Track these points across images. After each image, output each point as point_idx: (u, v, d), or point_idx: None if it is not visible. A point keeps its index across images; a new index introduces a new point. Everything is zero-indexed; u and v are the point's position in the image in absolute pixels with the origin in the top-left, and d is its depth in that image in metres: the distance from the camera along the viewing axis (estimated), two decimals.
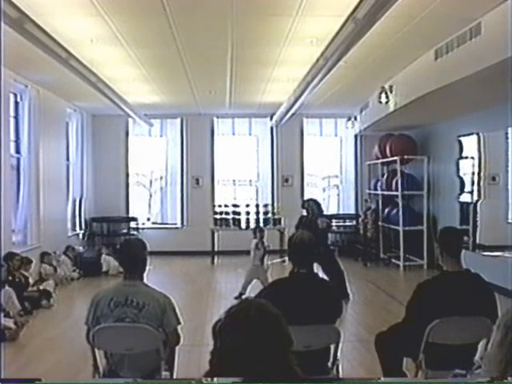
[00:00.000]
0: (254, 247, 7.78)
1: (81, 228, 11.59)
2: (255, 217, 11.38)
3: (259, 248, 7.74)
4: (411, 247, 10.37)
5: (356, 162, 12.80)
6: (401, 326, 3.63)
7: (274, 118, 11.43)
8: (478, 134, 8.78)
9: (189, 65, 7.55)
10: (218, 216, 11.40)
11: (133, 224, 12.32)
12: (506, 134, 8.10)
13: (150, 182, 12.98)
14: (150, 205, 13.00)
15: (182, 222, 12.61)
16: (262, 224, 10.92)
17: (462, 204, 9.36)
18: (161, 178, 12.89)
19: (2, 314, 5.90)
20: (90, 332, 3.34)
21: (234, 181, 12.95)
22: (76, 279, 9.32)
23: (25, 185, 8.68)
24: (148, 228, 12.49)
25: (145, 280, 3.48)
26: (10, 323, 5.85)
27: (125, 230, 12.18)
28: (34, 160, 8.83)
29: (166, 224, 12.68)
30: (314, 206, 8.20)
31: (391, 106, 8.66)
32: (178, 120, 12.57)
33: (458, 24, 5.74)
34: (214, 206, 12.04)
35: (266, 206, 11.70)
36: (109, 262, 9.95)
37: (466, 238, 8.45)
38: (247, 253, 7.95)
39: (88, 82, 6.88)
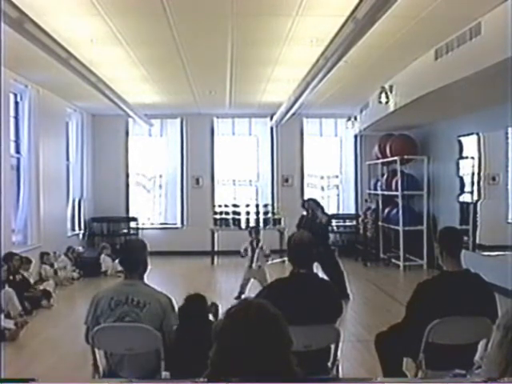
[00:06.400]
0: (248, 247, 7.77)
1: (80, 228, 11.59)
2: (255, 217, 11.38)
3: (253, 248, 7.71)
4: (411, 247, 10.37)
5: (356, 162, 12.80)
6: (401, 326, 3.63)
7: (274, 118, 11.44)
8: (477, 134, 8.78)
9: (189, 65, 7.55)
10: (217, 216, 11.40)
11: (133, 224, 12.33)
12: (506, 133, 8.10)
13: (150, 182, 12.98)
14: (150, 205, 13.00)
15: (182, 222, 12.61)
16: (261, 224, 10.91)
17: (462, 204, 9.36)
18: (161, 177, 12.89)
19: (3, 315, 5.90)
20: (89, 332, 3.35)
21: (234, 181, 12.96)
22: (76, 279, 9.33)
23: (25, 185, 8.68)
24: (148, 228, 12.50)
25: (145, 280, 3.48)
26: (10, 324, 5.85)
27: (125, 230, 12.19)
28: (34, 160, 8.83)
29: (166, 224, 12.68)
30: (313, 205, 8.21)
31: (391, 106, 8.66)
32: (178, 120, 12.57)
33: (458, 24, 5.74)
34: (213, 206, 12.05)
35: (265, 206, 11.70)
36: (108, 262, 9.96)
37: (465, 238, 8.45)
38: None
39: (88, 82, 6.88)
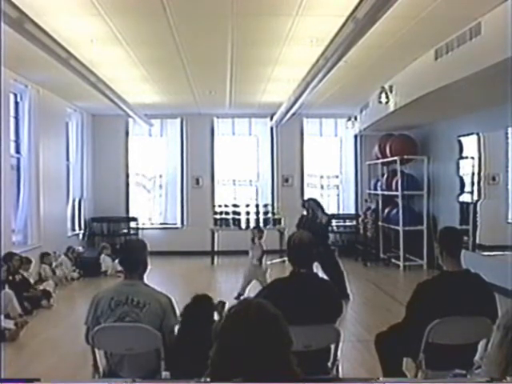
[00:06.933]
0: (250, 246, 7.77)
1: (81, 228, 11.60)
2: (255, 217, 11.38)
3: (256, 247, 7.71)
4: (411, 247, 10.37)
5: (356, 162, 12.80)
6: (401, 326, 3.63)
7: (274, 118, 11.44)
8: (478, 134, 8.78)
9: (189, 65, 7.55)
10: (217, 216, 11.40)
11: (133, 224, 12.33)
12: (506, 133, 8.10)
13: (150, 182, 12.98)
14: (150, 205, 13.01)
15: (182, 222, 12.61)
16: (262, 224, 10.91)
17: (462, 204, 9.36)
18: (161, 177, 12.89)
19: (3, 316, 5.90)
20: (89, 332, 3.35)
21: (234, 181, 12.96)
22: (76, 279, 9.33)
23: (25, 185, 8.68)
24: (148, 228, 12.50)
25: (145, 280, 3.49)
26: (10, 324, 5.84)
27: (125, 230, 12.20)
28: (34, 160, 8.83)
29: (166, 224, 12.68)
30: (314, 205, 8.20)
31: (391, 106, 8.66)
32: (178, 120, 12.57)
33: (458, 24, 5.74)
34: (214, 206, 12.05)
35: (265, 206, 11.70)
36: (108, 262, 9.96)
37: (465, 238, 8.45)
38: (247, 253, 7.94)
39: (88, 82, 6.88)
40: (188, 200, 12.59)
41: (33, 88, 8.75)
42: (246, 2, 5.14)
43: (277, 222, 11.33)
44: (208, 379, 1.76)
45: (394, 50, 6.69)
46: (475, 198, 9.00)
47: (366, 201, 12.05)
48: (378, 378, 3.45)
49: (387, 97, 8.57)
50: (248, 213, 11.44)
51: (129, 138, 12.60)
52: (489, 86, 6.26)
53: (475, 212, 8.87)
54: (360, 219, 11.82)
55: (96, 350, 3.37)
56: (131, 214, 12.53)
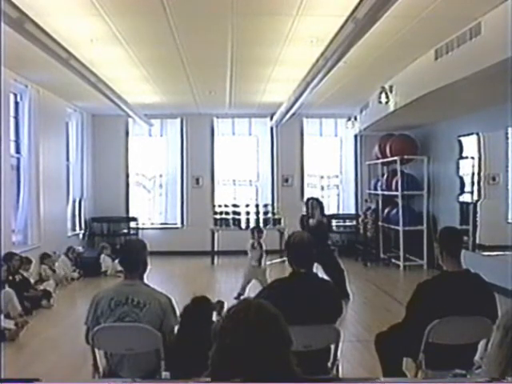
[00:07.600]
0: (250, 247, 7.77)
1: (81, 228, 11.60)
2: (255, 217, 11.38)
3: (255, 248, 7.72)
4: (411, 247, 10.37)
5: (356, 162, 12.80)
6: (401, 326, 3.63)
7: (274, 118, 11.43)
8: (477, 134, 8.78)
9: (189, 65, 7.56)
10: (217, 216, 11.40)
11: (133, 224, 12.33)
12: (506, 133, 8.10)
13: (150, 182, 12.98)
14: (150, 205, 13.01)
15: (182, 222, 12.61)
16: (261, 224, 10.90)
17: (462, 204, 9.36)
18: (161, 177, 12.89)
19: (3, 316, 5.90)
20: (89, 332, 3.35)
21: (234, 181, 12.96)
22: (76, 279, 9.33)
23: (25, 185, 8.68)
24: (148, 228, 12.50)
25: (145, 280, 3.49)
26: (10, 324, 5.84)
27: (125, 230, 12.19)
28: (34, 160, 8.82)
29: (166, 224, 12.69)
30: (316, 205, 8.18)
31: (391, 106, 8.66)
32: (178, 120, 12.57)
33: (458, 24, 5.74)
34: (214, 206, 12.05)
35: (265, 206, 11.70)
36: (108, 262, 9.97)
37: (465, 238, 8.45)
38: (247, 253, 7.93)
39: (88, 82, 6.88)
40: (188, 200, 12.59)
41: (33, 88, 8.75)
42: (245, 1, 5.13)
43: (277, 222, 11.32)
44: (208, 379, 1.75)
45: (394, 50, 6.69)
46: (475, 198, 8.99)
47: (366, 201, 12.05)
48: (378, 378, 3.45)
49: (387, 97, 8.57)
50: (248, 213, 11.44)
51: (129, 138, 12.60)
52: (489, 86, 6.26)
53: (475, 212, 8.87)
54: (360, 219, 11.82)
55: (96, 350, 3.37)
56: (131, 214, 12.53)
